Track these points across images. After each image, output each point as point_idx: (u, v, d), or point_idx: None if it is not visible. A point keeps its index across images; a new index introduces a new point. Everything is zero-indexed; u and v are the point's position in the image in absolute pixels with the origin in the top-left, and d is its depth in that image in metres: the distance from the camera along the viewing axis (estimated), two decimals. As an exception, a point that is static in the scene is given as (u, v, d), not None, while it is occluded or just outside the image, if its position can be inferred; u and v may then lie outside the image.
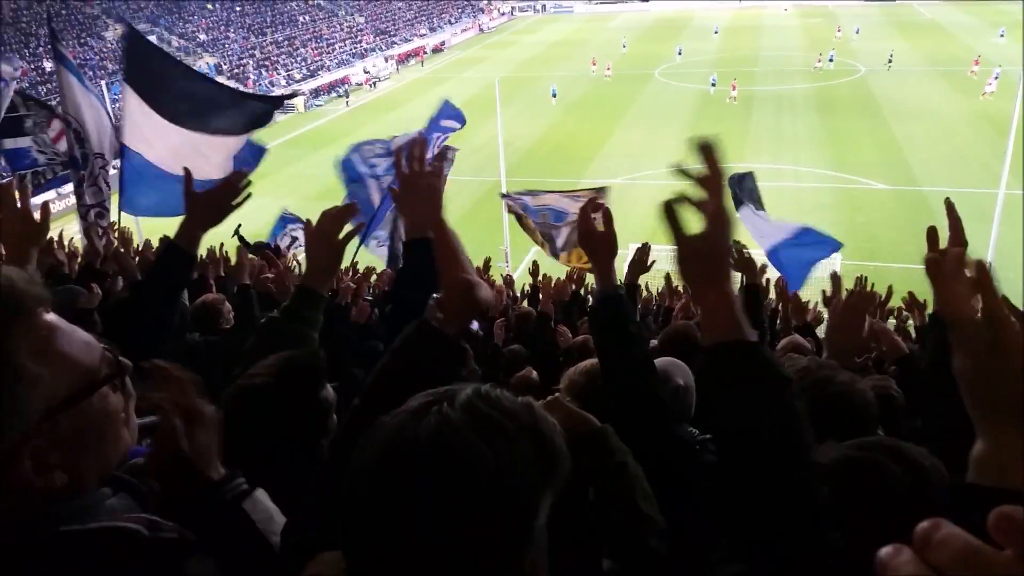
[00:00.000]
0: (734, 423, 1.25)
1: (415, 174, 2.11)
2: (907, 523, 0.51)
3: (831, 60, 46.88)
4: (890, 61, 45.74)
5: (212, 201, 2.32)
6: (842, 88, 41.24)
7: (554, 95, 42.65)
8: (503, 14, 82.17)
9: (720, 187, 1.34)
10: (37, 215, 2.33)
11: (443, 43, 67.60)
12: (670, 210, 1.34)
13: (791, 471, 1.20)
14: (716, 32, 61.69)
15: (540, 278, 8.51)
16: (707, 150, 1.35)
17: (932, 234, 1.84)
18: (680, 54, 52.89)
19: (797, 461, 1.21)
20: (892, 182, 27.37)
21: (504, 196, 10.68)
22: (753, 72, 46.47)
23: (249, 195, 2.38)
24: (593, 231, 2.11)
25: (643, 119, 38.42)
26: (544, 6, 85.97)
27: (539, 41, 65.77)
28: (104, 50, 47.78)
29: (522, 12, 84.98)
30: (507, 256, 20.91)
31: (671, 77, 47.48)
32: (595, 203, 2.12)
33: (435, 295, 1.57)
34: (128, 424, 2.01)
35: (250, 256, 5.66)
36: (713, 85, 41.62)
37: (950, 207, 2.01)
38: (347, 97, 49.31)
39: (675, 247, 1.37)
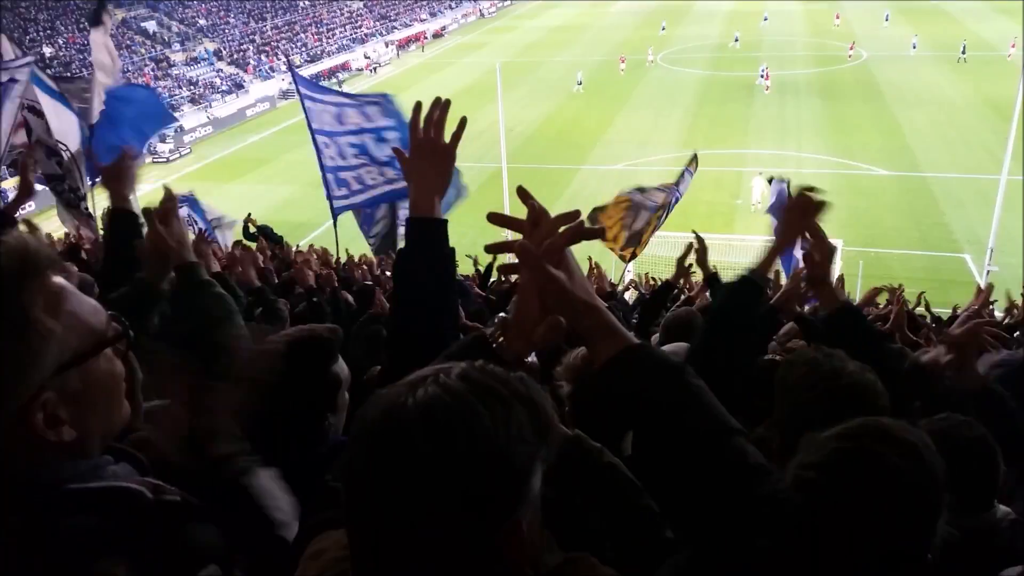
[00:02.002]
0: (645, 426, 1.28)
1: (431, 139, 1.86)
2: (912, 510, 0.53)
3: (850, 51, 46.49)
4: (914, 47, 45.31)
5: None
6: (845, 74, 41.05)
7: (579, 83, 42.10)
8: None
9: (534, 256, 1.34)
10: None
11: (444, 28, 67.27)
12: (526, 258, 1.36)
13: (713, 450, 1.23)
14: (766, 19, 58.78)
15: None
16: (524, 195, 1.41)
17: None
18: (736, 40, 52.44)
19: (714, 438, 1.24)
20: (894, 168, 27.31)
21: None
22: (756, 57, 46.28)
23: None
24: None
25: (645, 105, 38.29)
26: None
27: (540, 26, 65.42)
28: (103, 35, 47.57)
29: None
30: (508, 242, 20.88)
31: (673, 63, 47.27)
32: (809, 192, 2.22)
33: (501, 314, 1.51)
34: (134, 400, 2.03)
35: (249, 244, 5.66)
36: (762, 76, 39.82)
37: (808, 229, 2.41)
38: (340, 86, 48.37)
39: (542, 296, 1.40)
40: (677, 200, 11.51)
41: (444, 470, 0.86)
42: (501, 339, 1.46)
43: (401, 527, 0.88)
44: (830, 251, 2.44)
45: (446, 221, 1.83)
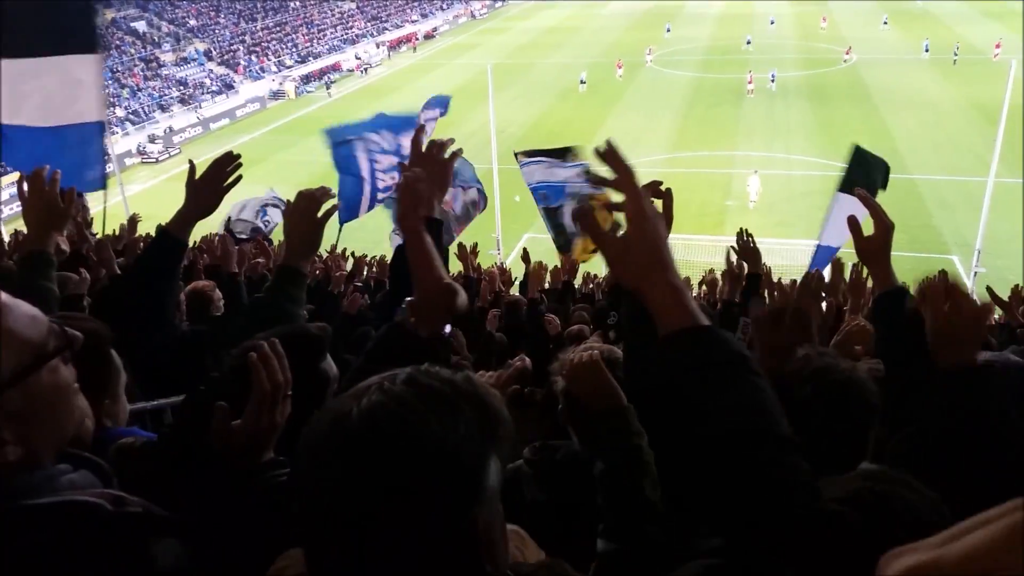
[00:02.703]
0: (698, 408, 1.24)
1: (430, 156, 2.13)
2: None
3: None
4: (926, 51, 45.26)
5: (210, 192, 2.38)
6: (834, 76, 41.23)
7: (583, 82, 42.32)
8: (494, 1, 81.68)
9: (633, 186, 1.32)
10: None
11: (435, 29, 67.21)
12: (585, 217, 1.33)
13: (759, 446, 1.19)
14: (772, 23, 58.19)
15: (531, 266, 8.49)
16: (610, 153, 1.33)
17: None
18: (748, 43, 52.48)
19: (765, 435, 1.20)
20: (883, 170, 27.43)
21: (517, 155, 10.60)
22: (745, 60, 46.42)
23: (239, 176, 2.45)
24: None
25: (636, 106, 38.34)
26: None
27: (532, 28, 65.45)
28: (92, 35, 47.31)
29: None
30: (498, 243, 20.91)
31: (664, 64, 47.37)
32: (655, 187, 2.07)
33: (408, 298, 1.56)
34: (118, 403, 2.00)
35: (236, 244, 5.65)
36: (772, 80, 39.67)
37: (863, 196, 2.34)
38: (328, 88, 47.56)
39: (602, 251, 1.35)
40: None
41: (392, 476, 0.86)
42: (412, 320, 1.50)
43: (353, 536, 0.87)
44: (890, 226, 2.37)
45: (441, 221, 2.05)
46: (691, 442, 1.27)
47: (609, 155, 1.32)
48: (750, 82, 38.69)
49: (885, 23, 55.14)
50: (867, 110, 35.25)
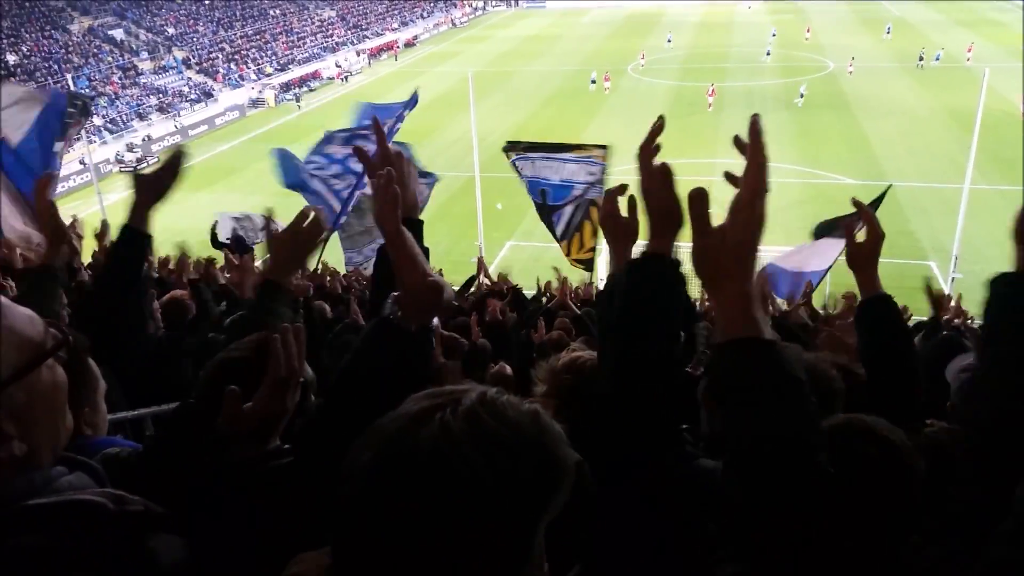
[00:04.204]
0: (744, 423, 1.22)
1: (388, 158, 2.08)
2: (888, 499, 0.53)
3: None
4: (937, 59, 45.32)
5: (155, 181, 2.47)
6: (812, 84, 41.66)
7: (593, 82, 43.65)
8: (475, 9, 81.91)
9: (759, 174, 1.27)
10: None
11: (416, 37, 67.25)
12: (699, 198, 1.27)
13: (800, 474, 1.17)
14: (774, 35, 56.00)
15: (559, 282, 8.55)
16: (754, 134, 1.27)
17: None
18: (669, 41, 52.93)
19: (806, 465, 1.17)
20: (861, 177, 27.74)
21: (506, 150, 10.50)
22: (724, 68, 46.81)
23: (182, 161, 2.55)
24: (617, 215, 2.10)
25: (616, 114, 38.54)
26: (517, 1, 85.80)
27: (512, 36, 65.67)
28: (69, 43, 46.93)
29: (494, 7, 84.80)
30: (481, 250, 20.89)
31: (643, 72, 47.67)
32: (621, 188, 2.07)
33: (394, 293, 1.56)
34: (97, 412, 1.99)
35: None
36: (801, 97, 39.12)
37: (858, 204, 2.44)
38: (298, 101, 46.18)
39: (693, 237, 1.30)
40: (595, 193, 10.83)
41: (438, 525, 0.81)
42: (400, 314, 1.50)
43: (391, 571, 0.83)
44: (881, 236, 2.42)
45: (422, 222, 2.04)
46: (735, 453, 1.24)
47: (753, 135, 1.28)
48: (711, 95, 38.85)
49: (888, 32, 54.77)
50: (845, 118, 35.67)
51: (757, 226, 1.28)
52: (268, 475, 1.48)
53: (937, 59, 43.78)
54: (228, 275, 6.54)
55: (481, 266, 9.68)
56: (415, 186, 2.09)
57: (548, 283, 10.13)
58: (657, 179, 1.72)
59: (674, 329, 1.70)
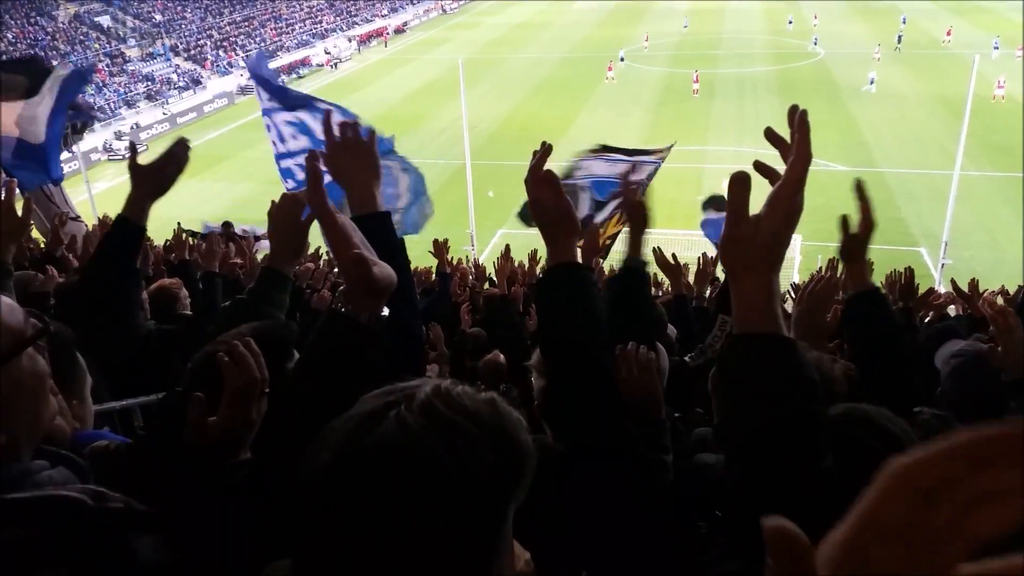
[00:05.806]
0: (752, 418, 1.20)
1: (349, 140, 1.96)
2: None
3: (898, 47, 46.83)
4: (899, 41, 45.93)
5: (156, 171, 2.41)
6: (803, 71, 41.68)
7: (622, 59, 44.81)
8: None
9: (804, 168, 1.24)
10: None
11: (405, 24, 66.85)
12: (741, 183, 1.23)
13: (804, 475, 1.15)
14: (791, 22, 56.04)
15: (497, 261, 8.39)
16: (802, 122, 1.24)
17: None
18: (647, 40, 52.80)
19: (812, 467, 1.16)
20: (851, 164, 27.79)
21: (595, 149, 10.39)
22: (716, 55, 46.73)
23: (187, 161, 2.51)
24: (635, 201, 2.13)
25: (607, 102, 38.47)
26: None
27: (502, 23, 65.33)
28: (56, 30, 46.43)
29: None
30: (472, 239, 20.87)
31: (635, 60, 47.55)
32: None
33: (341, 287, 1.54)
34: (84, 405, 1.98)
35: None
36: (872, 83, 37.70)
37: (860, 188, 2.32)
38: (296, 81, 46.34)
39: (727, 225, 1.26)
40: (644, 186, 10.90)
41: (402, 519, 0.80)
42: (349, 306, 1.46)
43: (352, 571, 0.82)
44: (873, 225, 2.40)
45: (389, 213, 1.93)
46: (739, 448, 1.24)
47: (800, 124, 1.25)
48: (696, 81, 38.77)
49: (904, 22, 54.32)
50: (835, 105, 35.69)
51: (795, 220, 1.26)
52: (237, 486, 1.46)
53: (899, 42, 44.27)
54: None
55: (441, 251, 9.18)
56: (371, 179, 1.94)
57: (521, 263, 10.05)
58: (543, 189, 1.78)
59: (597, 333, 1.74)
